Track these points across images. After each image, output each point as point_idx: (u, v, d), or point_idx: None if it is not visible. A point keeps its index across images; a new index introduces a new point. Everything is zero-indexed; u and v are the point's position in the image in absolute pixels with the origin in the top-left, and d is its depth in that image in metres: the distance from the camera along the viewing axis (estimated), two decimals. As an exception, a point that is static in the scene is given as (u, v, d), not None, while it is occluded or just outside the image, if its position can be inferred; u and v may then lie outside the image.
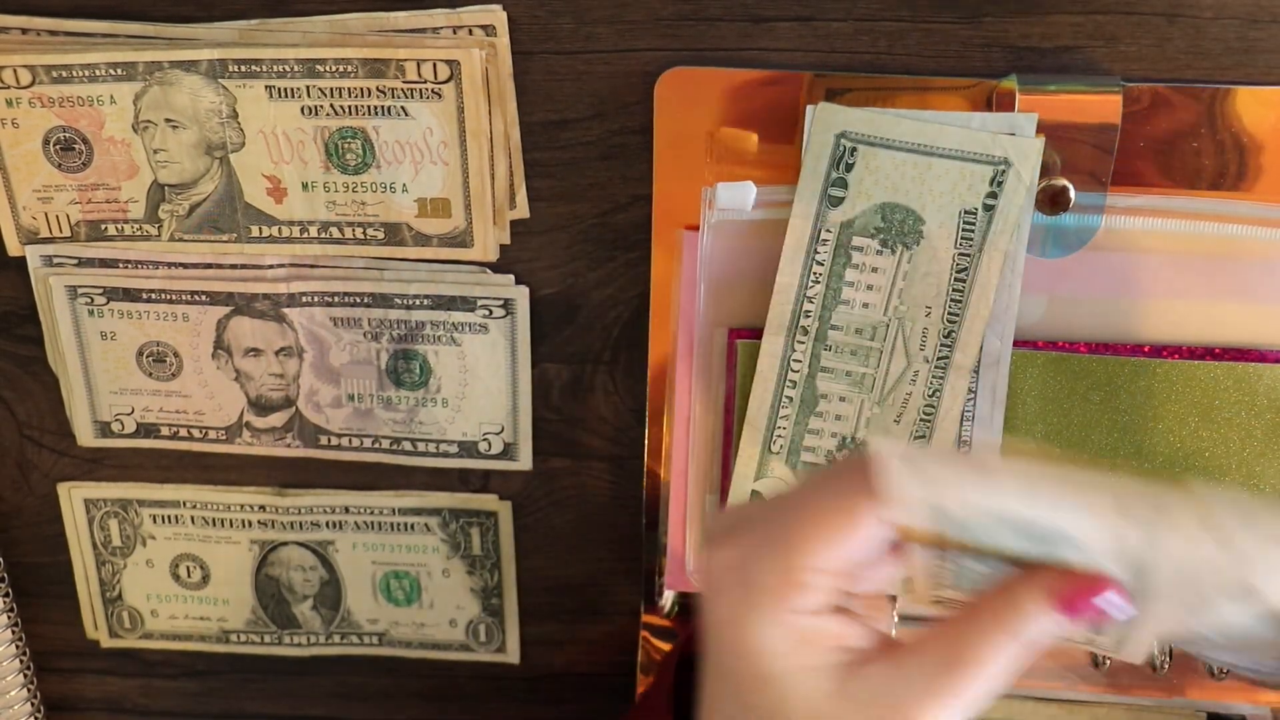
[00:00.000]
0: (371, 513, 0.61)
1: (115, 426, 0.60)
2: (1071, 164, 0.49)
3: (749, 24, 0.50)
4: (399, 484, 0.61)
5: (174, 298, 0.57)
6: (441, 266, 0.55)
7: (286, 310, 0.57)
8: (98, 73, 0.52)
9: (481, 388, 0.57)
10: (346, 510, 0.61)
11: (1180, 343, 0.52)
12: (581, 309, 0.56)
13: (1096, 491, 0.36)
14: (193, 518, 0.62)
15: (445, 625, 0.64)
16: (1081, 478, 0.37)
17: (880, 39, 0.49)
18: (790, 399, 0.53)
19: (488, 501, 0.61)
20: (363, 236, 0.55)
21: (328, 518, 0.62)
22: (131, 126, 0.53)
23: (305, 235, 0.55)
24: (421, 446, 0.59)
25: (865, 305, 0.50)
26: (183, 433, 0.60)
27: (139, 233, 0.56)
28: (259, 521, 0.62)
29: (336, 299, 0.56)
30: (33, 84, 0.52)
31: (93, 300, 0.57)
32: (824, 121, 0.48)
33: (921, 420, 0.52)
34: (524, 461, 0.59)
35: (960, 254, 0.49)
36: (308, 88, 0.52)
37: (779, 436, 0.53)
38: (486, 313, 0.56)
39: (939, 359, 0.51)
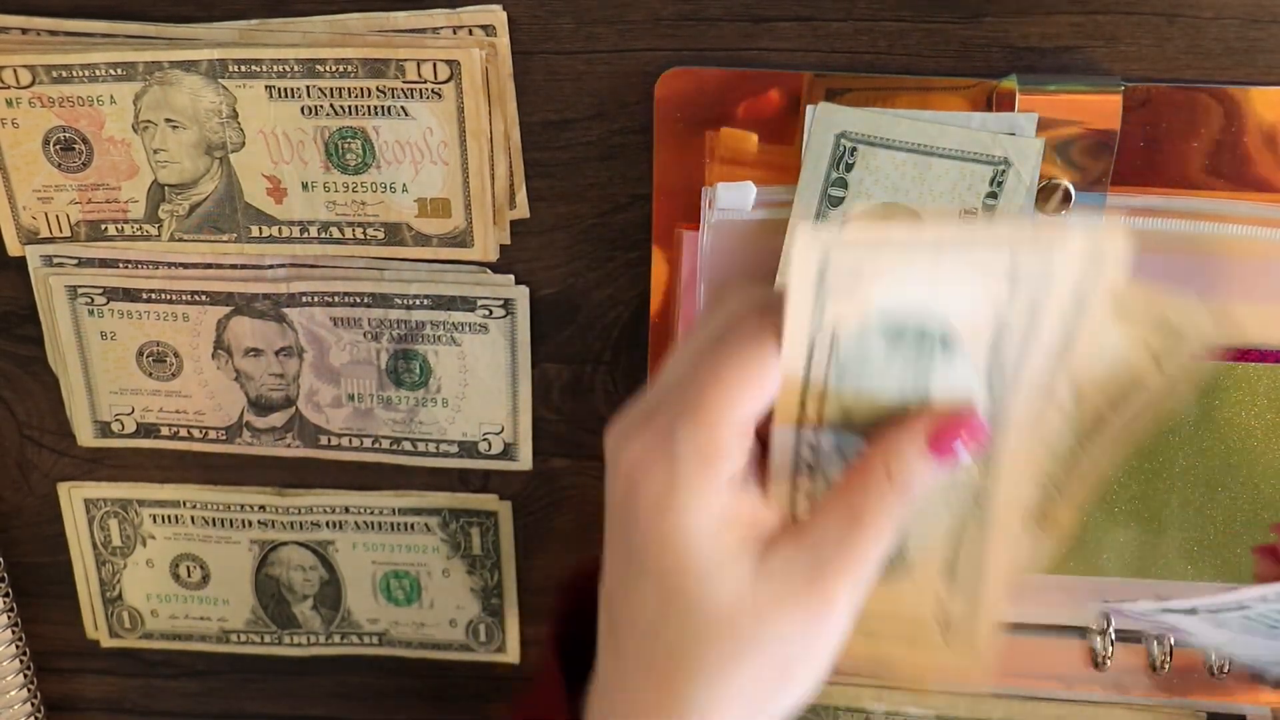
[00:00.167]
0: (371, 513, 0.61)
1: (115, 426, 0.60)
2: (1071, 164, 0.49)
3: (749, 24, 0.50)
4: (399, 484, 0.61)
5: (174, 298, 0.57)
6: (441, 266, 0.55)
7: (286, 310, 0.57)
8: (98, 73, 0.52)
9: (481, 388, 0.57)
10: (346, 510, 0.61)
11: (1180, 343, 0.52)
12: (581, 309, 0.56)
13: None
14: (193, 518, 0.62)
15: (445, 625, 0.64)
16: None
17: (880, 39, 0.49)
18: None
19: (488, 501, 0.61)
20: (363, 236, 0.55)
21: (328, 518, 0.62)
22: (131, 126, 0.53)
23: (305, 235, 0.55)
24: (421, 446, 0.59)
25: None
26: (183, 433, 0.60)
27: (139, 233, 0.56)
28: (259, 521, 0.62)
29: (336, 299, 0.56)
30: (33, 84, 0.52)
31: (93, 300, 0.57)
32: (824, 121, 0.48)
33: None
34: (524, 461, 0.59)
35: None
36: (308, 88, 0.52)
37: None
38: (486, 313, 0.56)
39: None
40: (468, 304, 0.56)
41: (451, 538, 0.62)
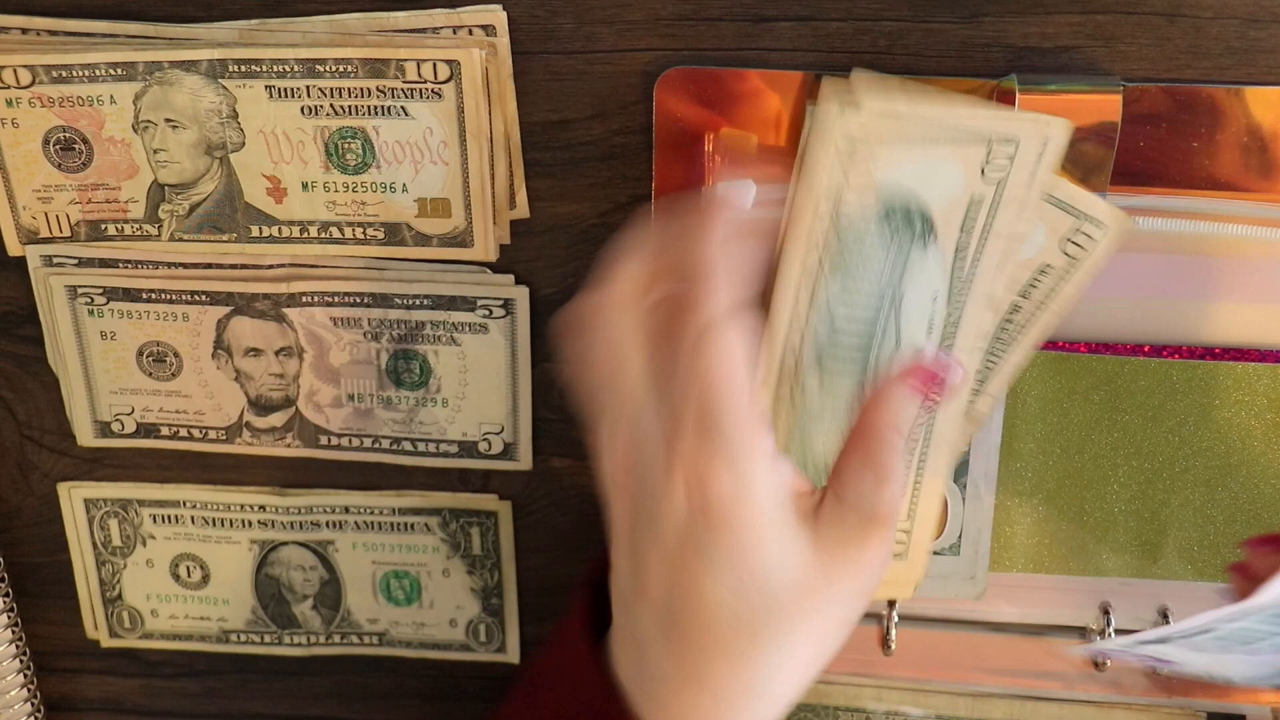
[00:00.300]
0: (371, 513, 0.61)
1: (115, 426, 0.60)
2: (1071, 164, 0.48)
3: (749, 24, 0.50)
4: (399, 484, 0.61)
5: (174, 298, 0.57)
6: (441, 266, 0.55)
7: (286, 310, 0.57)
8: (98, 73, 0.52)
9: (481, 388, 0.57)
10: (346, 510, 0.61)
11: (1180, 343, 0.52)
12: (581, 309, 0.56)
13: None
14: (193, 518, 0.62)
15: (445, 625, 0.64)
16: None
17: (880, 39, 0.49)
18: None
19: (488, 501, 0.61)
20: (363, 236, 0.55)
21: (328, 518, 0.62)
22: (131, 126, 0.53)
23: (305, 235, 0.55)
24: (421, 446, 0.59)
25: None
26: (183, 433, 0.60)
27: (139, 233, 0.56)
28: (259, 521, 0.62)
29: (336, 299, 0.56)
30: (33, 84, 0.52)
31: (93, 300, 0.57)
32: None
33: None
34: (524, 461, 0.59)
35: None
36: (308, 88, 0.52)
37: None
38: (486, 313, 0.56)
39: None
40: (468, 304, 0.56)
41: (451, 538, 0.62)
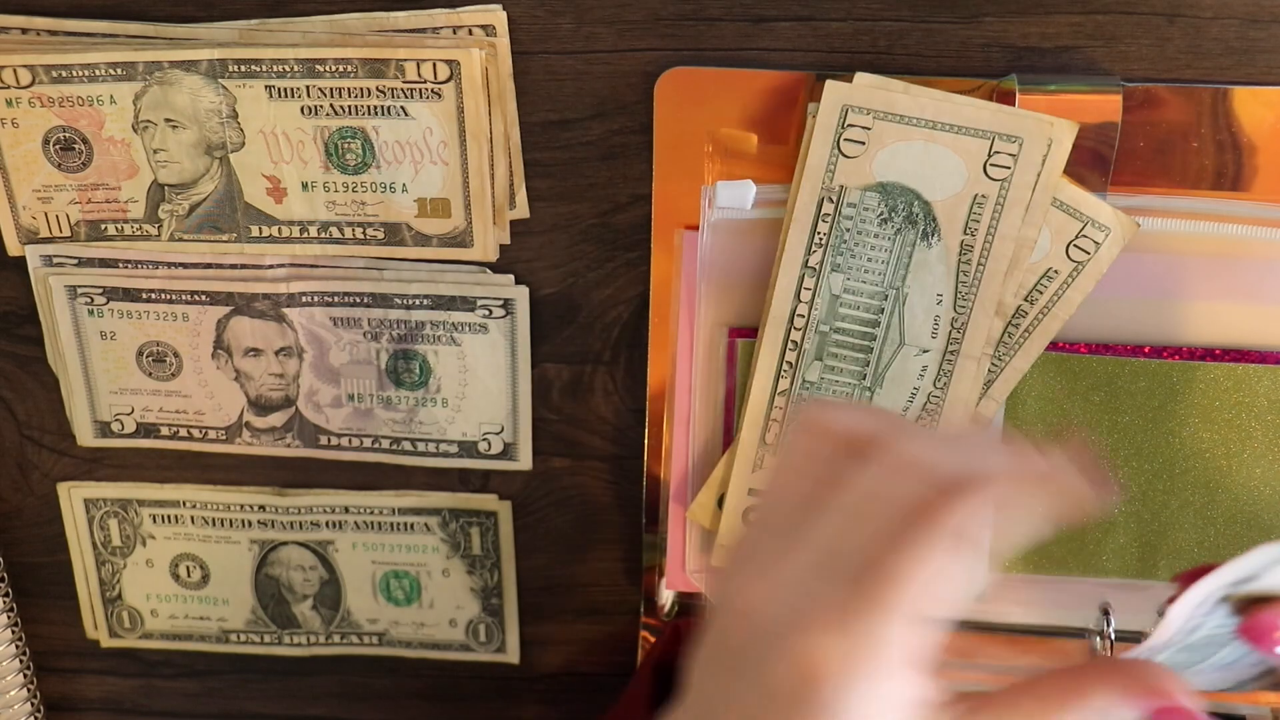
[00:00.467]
0: (371, 513, 0.61)
1: (115, 426, 0.60)
2: (1071, 164, 0.49)
3: (749, 24, 0.50)
4: (399, 484, 0.61)
5: (174, 298, 0.57)
6: (441, 266, 0.55)
7: (286, 310, 0.57)
8: (98, 73, 0.52)
9: (481, 388, 0.57)
10: (346, 510, 0.61)
11: (1180, 343, 0.52)
12: (581, 309, 0.56)
13: None
14: (193, 518, 0.62)
15: (445, 625, 0.64)
16: None
17: (880, 39, 0.49)
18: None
19: (488, 501, 0.61)
20: (363, 236, 0.55)
21: (328, 518, 0.62)
22: (131, 126, 0.53)
23: (305, 235, 0.55)
24: (421, 446, 0.59)
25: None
26: (183, 433, 0.60)
27: (139, 233, 0.56)
28: (259, 521, 0.62)
29: (336, 299, 0.56)
30: (33, 84, 0.52)
31: (93, 300, 0.57)
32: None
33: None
34: (524, 461, 0.59)
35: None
36: (308, 88, 0.52)
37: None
38: (486, 313, 0.56)
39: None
40: (468, 304, 0.56)
41: (451, 538, 0.62)
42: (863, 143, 0.49)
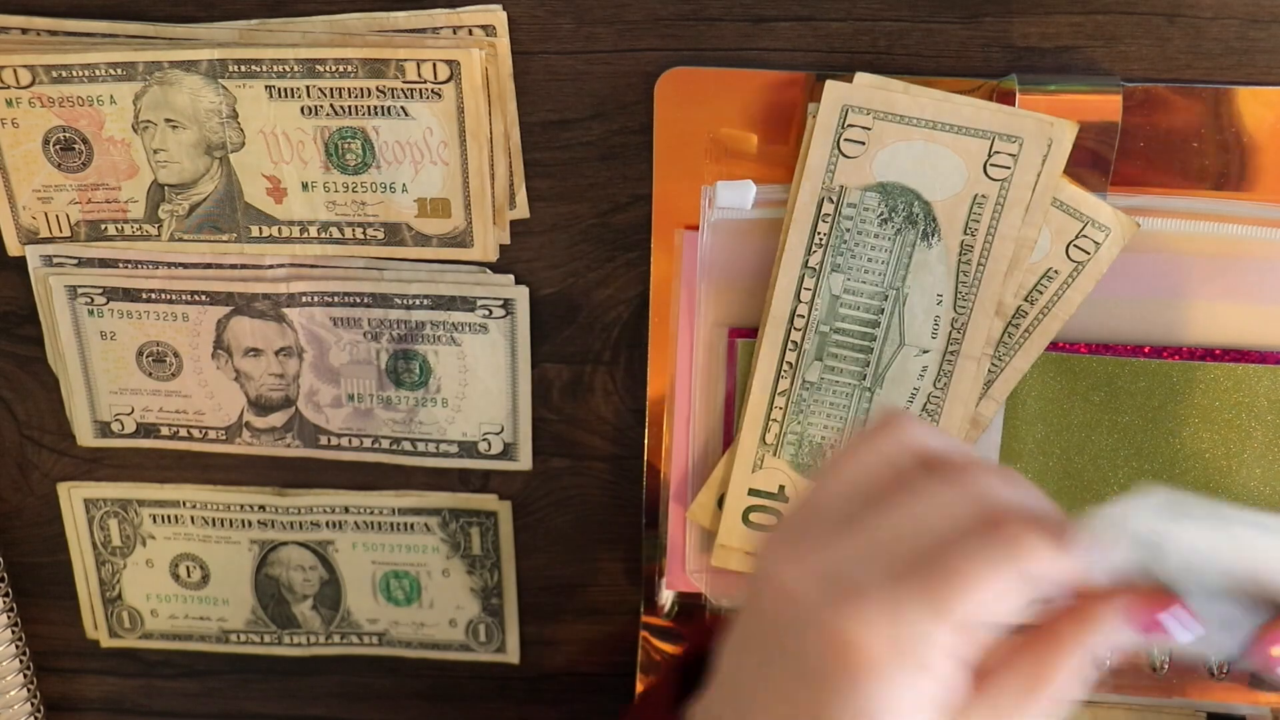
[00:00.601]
0: (371, 513, 0.61)
1: (115, 426, 0.60)
2: (1071, 164, 0.49)
3: (749, 24, 0.50)
4: (399, 484, 0.61)
5: (174, 298, 0.57)
6: (441, 266, 0.55)
7: (286, 310, 0.57)
8: (98, 73, 0.52)
9: (481, 388, 0.57)
10: (346, 510, 0.61)
11: (1180, 343, 0.52)
12: (581, 309, 0.56)
13: None
14: (193, 518, 0.62)
15: (445, 625, 0.64)
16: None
17: (880, 39, 0.49)
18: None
19: (488, 501, 0.61)
20: (363, 236, 0.55)
21: (328, 518, 0.62)
22: (131, 126, 0.53)
23: (305, 235, 0.55)
24: (421, 446, 0.59)
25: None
26: (183, 433, 0.60)
27: (139, 233, 0.56)
28: (259, 521, 0.62)
29: (336, 299, 0.56)
30: (33, 84, 0.52)
31: (93, 300, 0.57)
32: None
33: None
34: (524, 461, 0.59)
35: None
36: (308, 88, 0.52)
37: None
38: (486, 313, 0.56)
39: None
40: (468, 304, 0.56)
41: (451, 538, 0.62)
42: (863, 143, 0.49)
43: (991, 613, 0.35)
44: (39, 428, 0.61)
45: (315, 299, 0.56)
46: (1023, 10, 0.48)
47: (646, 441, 0.57)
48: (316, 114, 0.52)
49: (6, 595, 0.64)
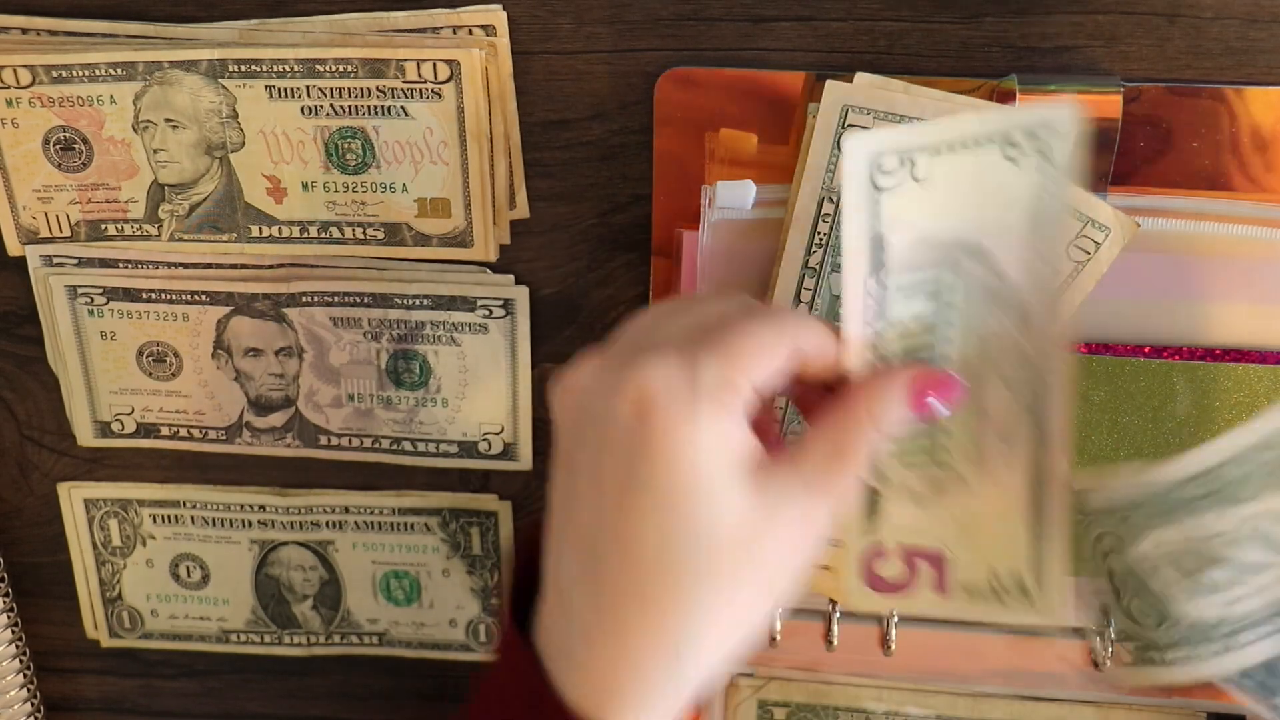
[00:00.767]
0: (371, 513, 0.61)
1: (115, 426, 0.60)
2: (1071, 164, 0.48)
3: (749, 24, 0.50)
4: (399, 484, 0.61)
5: (174, 298, 0.57)
6: (441, 266, 0.55)
7: (286, 310, 0.57)
8: (98, 73, 0.52)
9: (481, 388, 0.57)
10: (346, 510, 0.61)
11: (1180, 343, 0.52)
12: (581, 309, 0.56)
13: None
14: (193, 518, 0.62)
15: (445, 625, 0.64)
16: None
17: (880, 39, 0.49)
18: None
19: (488, 501, 0.61)
20: (363, 236, 0.55)
21: (328, 518, 0.62)
22: (131, 126, 0.53)
23: (305, 235, 0.55)
24: (421, 446, 0.59)
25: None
26: (183, 433, 0.60)
27: (139, 233, 0.56)
28: (259, 521, 0.62)
29: (336, 299, 0.56)
30: (33, 84, 0.52)
31: (93, 300, 0.57)
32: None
33: None
34: (524, 461, 0.59)
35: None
36: (308, 88, 0.52)
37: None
38: (486, 313, 0.56)
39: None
40: (468, 304, 0.56)
41: (451, 538, 0.62)
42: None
43: (772, 376, 0.39)
44: (39, 428, 0.61)
45: (315, 299, 0.56)
46: (1023, 10, 0.48)
47: (646, 441, 0.57)
48: (316, 114, 0.52)
49: (6, 595, 0.64)
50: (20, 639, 0.65)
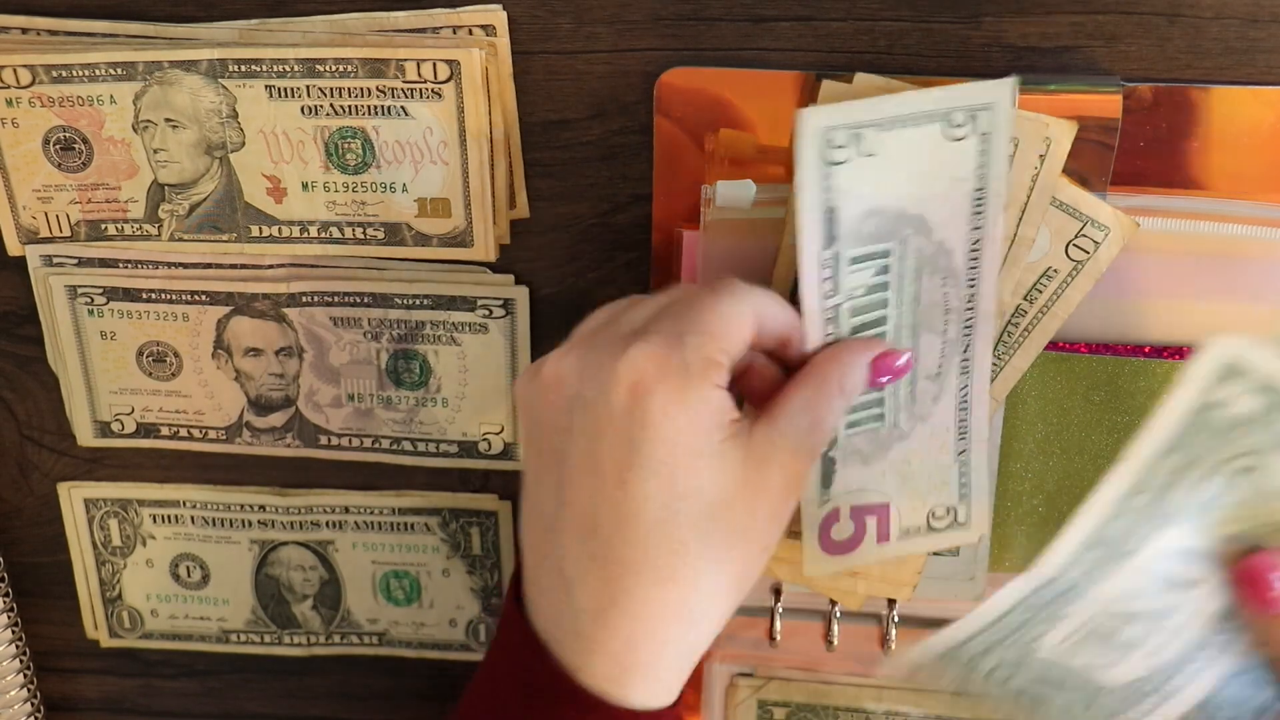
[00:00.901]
0: (371, 513, 0.61)
1: (115, 426, 0.60)
2: (1071, 164, 0.48)
3: (749, 24, 0.50)
4: (399, 484, 0.61)
5: (174, 298, 0.57)
6: (441, 266, 0.55)
7: (286, 310, 0.57)
8: (98, 73, 0.52)
9: (481, 388, 0.57)
10: (346, 510, 0.61)
11: (1180, 343, 0.52)
12: (581, 309, 0.56)
13: None
14: (193, 518, 0.62)
15: (445, 625, 0.64)
16: None
17: (880, 39, 0.49)
18: None
19: (488, 501, 0.61)
20: (363, 236, 0.55)
21: (328, 518, 0.62)
22: (131, 126, 0.53)
23: (305, 235, 0.55)
24: (421, 446, 0.59)
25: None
26: (183, 433, 0.60)
27: (139, 233, 0.56)
28: (259, 521, 0.62)
29: (336, 299, 0.56)
30: (33, 84, 0.52)
31: (93, 300, 0.57)
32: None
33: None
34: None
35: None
36: (308, 88, 0.52)
37: None
38: (486, 313, 0.56)
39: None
40: (468, 304, 0.56)
41: (451, 538, 0.62)
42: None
43: (743, 346, 0.42)
44: (39, 428, 0.61)
45: (315, 299, 0.56)
46: (1023, 10, 0.48)
47: (646, 441, 0.57)
48: (316, 114, 0.52)
49: (6, 595, 0.64)
50: (20, 639, 0.65)
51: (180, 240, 0.55)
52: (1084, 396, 0.53)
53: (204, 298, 0.57)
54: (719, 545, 0.41)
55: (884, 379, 0.46)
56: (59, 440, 0.62)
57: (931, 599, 0.56)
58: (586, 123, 0.52)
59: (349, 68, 0.51)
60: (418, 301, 0.56)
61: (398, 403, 0.58)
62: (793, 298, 0.47)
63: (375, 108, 0.52)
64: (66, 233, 0.56)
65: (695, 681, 0.60)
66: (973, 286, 0.48)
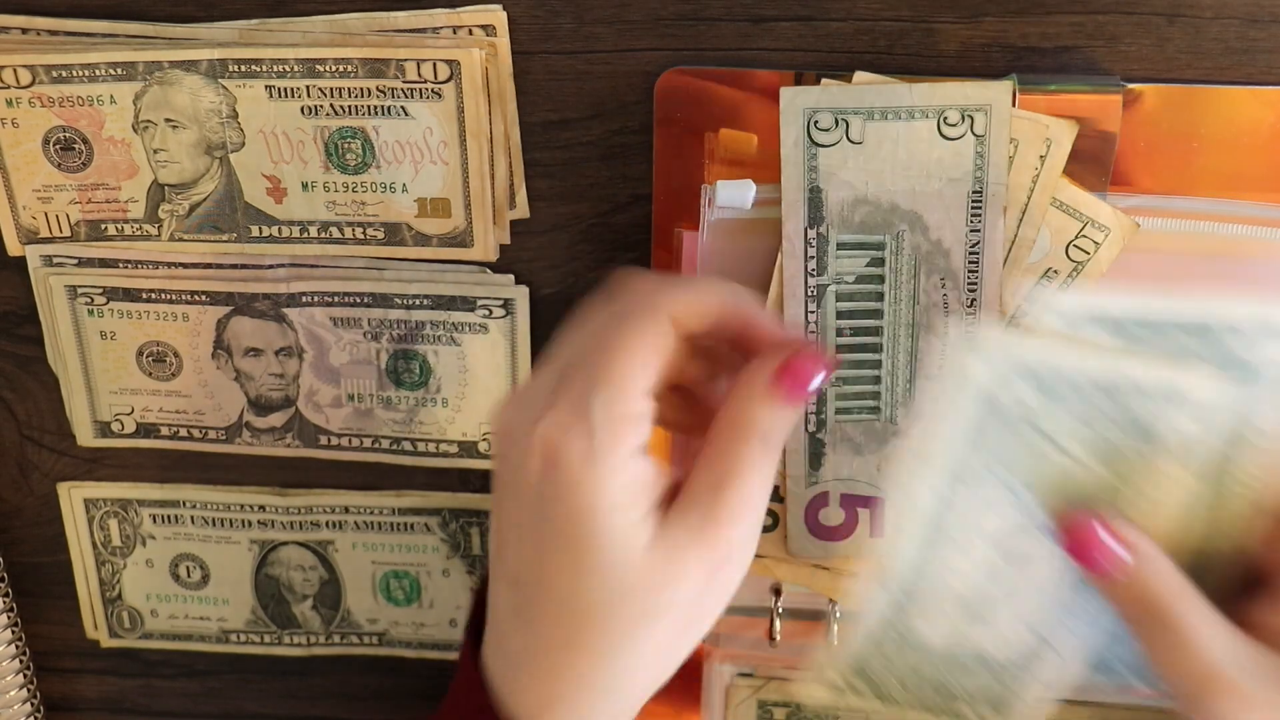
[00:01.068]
0: (371, 513, 0.61)
1: (115, 426, 0.60)
2: (1071, 164, 0.49)
3: (749, 24, 0.50)
4: (399, 484, 0.61)
5: (174, 298, 0.57)
6: (441, 266, 0.55)
7: (286, 310, 0.57)
8: (98, 73, 0.52)
9: (481, 388, 0.57)
10: (346, 510, 0.61)
11: (1180, 343, 0.52)
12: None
13: None
14: (193, 518, 0.62)
15: (445, 625, 0.64)
16: None
17: (880, 39, 0.49)
18: None
19: (487, 501, 0.61)
20: (363, 236, 0.55)
21: (328, 518, 0.62)
22: (131, 126, 0.53)
23: (305, 235, 0.55)
24: (421, 446, 0.59)
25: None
26: (183, 433, 0.60)
27: (139, 233, 0.56)
28: (259, 521, 0.62)
29: (336, 299, 0.56)
30: (33, 84, 0.52)
31: (93, 300, 0.57)
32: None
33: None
34: (524, 461, 0.59)
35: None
36: (308, 88, 0.52)
37: None
38: (486, 313, 0.56)
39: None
40: (468, 304, 0.56)
41: (451, 538, 0.62)
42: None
43: (659, 370, 0.39)
44: (39, 428, 0.61)
45: (315, 299, 0.56)
46: (1023, 10, 0.48)
47: (646, 441, 0.57)
48: (316, 114, 0.52)
49: (6, 595, 0.64)
50: (20, 639, 0.65)
51: (180, 240, 0.55)
52: (1084, 396, 0.53)
53: (204, 298, 0.57)
54: (633, 625, 0.39)
55: (804, 396, 0.40)
56: (59, 440, 0.62)
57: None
58: (586, 123, 0.52)
59: (349, 68, 0.51)
60: (418, 301, 0.56)
61: (398, 403, 0.58)
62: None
63: (375, 108, 0.52)
64: (66, 233, 0.56)
65: (695, 681, 0.60)
66: (973, 290, 0.48)
